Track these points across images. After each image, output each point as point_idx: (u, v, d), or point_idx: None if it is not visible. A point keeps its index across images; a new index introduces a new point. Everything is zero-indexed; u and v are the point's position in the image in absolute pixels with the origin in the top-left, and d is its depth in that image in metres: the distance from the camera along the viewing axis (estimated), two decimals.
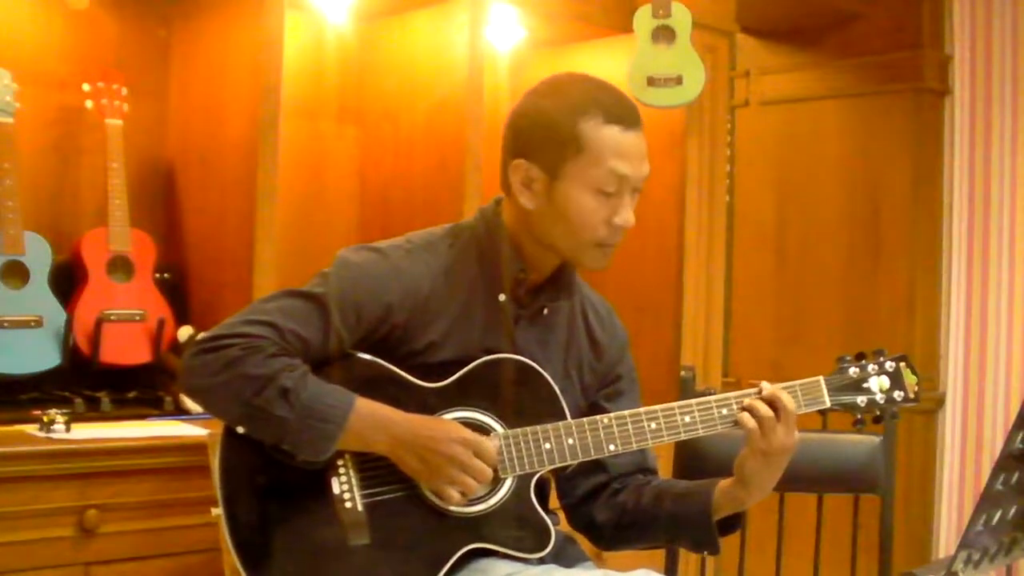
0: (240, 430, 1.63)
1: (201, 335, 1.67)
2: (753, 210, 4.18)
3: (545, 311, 1.79)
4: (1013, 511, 1.52)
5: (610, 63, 3.36)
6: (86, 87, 2.68)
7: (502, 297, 1.74)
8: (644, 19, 3.02)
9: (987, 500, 1.48)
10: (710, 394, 1.74)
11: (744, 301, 4.15)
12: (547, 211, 1.70)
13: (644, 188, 1.73)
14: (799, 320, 4.05)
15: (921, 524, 3.88)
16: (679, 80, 2.99)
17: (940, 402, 3.93)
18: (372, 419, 1.61)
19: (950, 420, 3.92)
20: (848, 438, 2.24)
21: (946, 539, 3.87)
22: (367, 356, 1.67)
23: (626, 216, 1.70)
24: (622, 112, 1.69)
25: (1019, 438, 1.49)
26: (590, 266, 1.75)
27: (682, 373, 2.28)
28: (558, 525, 1.79)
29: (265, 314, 1.64)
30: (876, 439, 2.21)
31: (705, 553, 1.81)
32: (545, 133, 1.68)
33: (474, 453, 1.61)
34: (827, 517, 2.26)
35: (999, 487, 1.48)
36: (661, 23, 3.00)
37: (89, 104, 2.69)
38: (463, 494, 1.62)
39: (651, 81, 2.99)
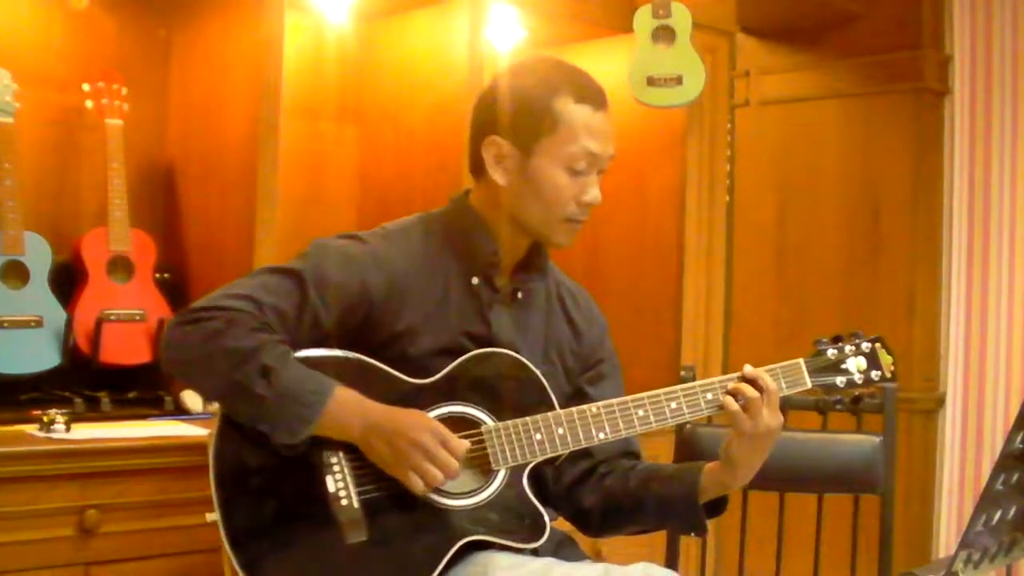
0: (217, 406, 1.64)
1: (182, 309, 1.68)
2: (753, 210, 4.18)
3: (520, 294, 1.81)
4: (1013, 511, 1.52)
5: (610, 63, 3.36)
6: (86, 87, 2.69)
7: (475, 280, 1.76)
8: (644, 19, 3.02)
9: (987, 500, 1.48)
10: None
11: (744, 301, 4.15)
12: (520, 187, 1.74)
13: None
14: (799, 320, 4.05)
15: (921, 524, 3.88)
16: (679, 80, 2.99)
17: (940, 402, 3.93)
18: (349, 406, 1.62)
19: (950, 420, 3.92)
20: (848, 438, 2.24)
21: (946, 539, 3.87)
22: (355, 354, 1.69)
23: (595, 194, 1.75)
24: (592, 93, 1.75)
25: (1019, 438, 1.49)
26: (558, 241, 1.78)
27: (682, 373, 2.28)
28: (555, 520, 1.80)
29: (245, 289, 1.66)
30: (876, 439, 2.21)
31: (693, 535, 1.83)
32: (519, 110, 1.73)
33: (441, 444, 1.61)
34: (827, 517, 2.26)
35: (999, 487, 1.48)
36: (661, 23, 3.01)
37: (89, 104, 2.69)
38: (427, 484, 1.60)
39: (651, 81, 2.99)
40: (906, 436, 3.68)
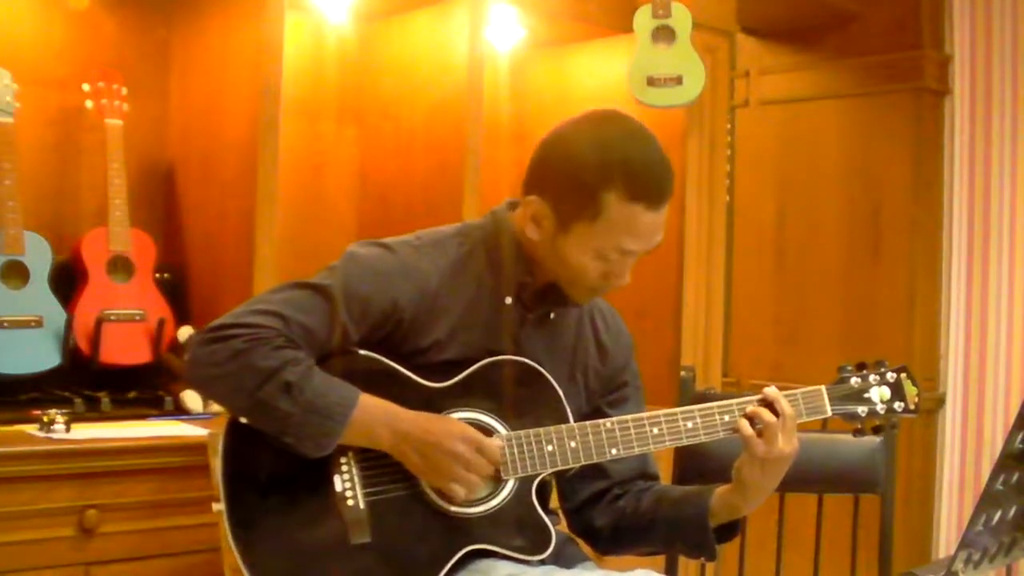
0: (243, 420, 1.63)
1: (208, 324, 1.66)
2: (753, 210, 4.17)
3: (552, 315, 1.79)
4: (1013, 511, 1.52)
5: (610, 63, 3.36)
6: (86, 87, 2.69)
7: (508, 300, 1.74)
8: (644, 19, 3.02)
9: (987, 500, 1.48)
10: (711, 394, 1.74)
11: (744, 301, 4.15)
12: (549, 250, 1.71)
13: None
14: (799, 320, 4.04)
15: (921, 524, 3.88)
16: (679, 80, 2.99)
17: (940, 402, 3.93)
18: (375, 415, 1.61)
19: (950, 420, 3.92)
20: (848, 438, 2.24)
21: (946, 539, 3.87)
22: (372, 354, 1.68)
23: (623, 279, 1.73)
24: (650, 189, 1.65)
25: (1019, 438, 1.49)
26: (576, 302, 1.77)
27: (682, 373, 2.28)
28: (558, 525, 1.79)
29: (272, 304, 1.64)
30: (876, 439, 2.21)
31: (702, 559, 1.81)
32: (568, 185, 1.67)
33: (477, 450, 1.61)
34: (827, 517, 2.26)
35: (999, 487, 1.48)
36: (661, 23, 3.01)
37: (89, 104, 2.69)
38: (467, 491, 1.62)
39: (651, 81, 2.99)
40: (906, 436, 3.68)
